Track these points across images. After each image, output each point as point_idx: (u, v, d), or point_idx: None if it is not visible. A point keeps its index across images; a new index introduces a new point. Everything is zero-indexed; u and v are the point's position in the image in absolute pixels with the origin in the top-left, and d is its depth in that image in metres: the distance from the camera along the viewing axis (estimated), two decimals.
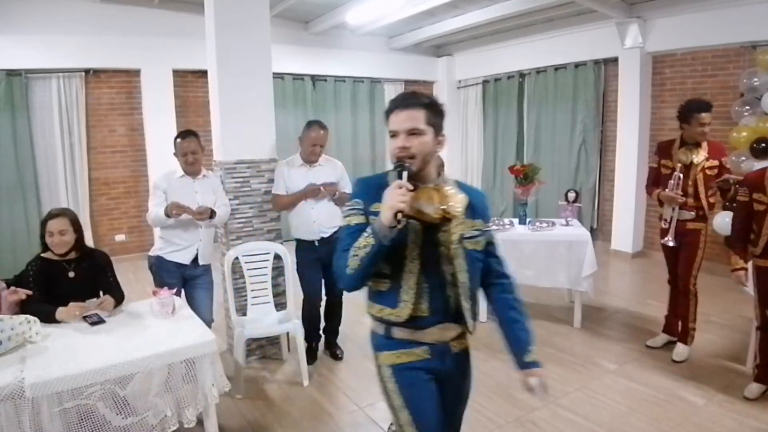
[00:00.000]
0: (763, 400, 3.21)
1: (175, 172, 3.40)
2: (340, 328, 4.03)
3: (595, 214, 7.55)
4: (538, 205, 7.75)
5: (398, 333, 1.73)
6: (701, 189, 3.57)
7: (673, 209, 3.65)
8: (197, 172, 3.41)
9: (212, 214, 3.28)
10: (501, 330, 1.82)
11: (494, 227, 1.91)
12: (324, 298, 3.90)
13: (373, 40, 8.50)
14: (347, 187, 3.86)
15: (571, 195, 5.02)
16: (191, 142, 3.34)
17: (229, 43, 3.64)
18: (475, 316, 1.76)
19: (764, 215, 3.02)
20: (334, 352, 3.95)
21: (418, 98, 1.65)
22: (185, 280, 3.40)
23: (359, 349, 3.95)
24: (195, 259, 3.41)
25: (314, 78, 8.17)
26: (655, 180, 3.79)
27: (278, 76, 6.95)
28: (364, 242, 1.58)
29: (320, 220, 3.70)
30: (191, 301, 3.29)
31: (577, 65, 7.40)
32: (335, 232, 3.79)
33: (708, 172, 3.55)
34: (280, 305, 3.80)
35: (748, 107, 5.47)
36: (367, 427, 3.07)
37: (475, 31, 7.87)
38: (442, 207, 1.64)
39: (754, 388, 3.25)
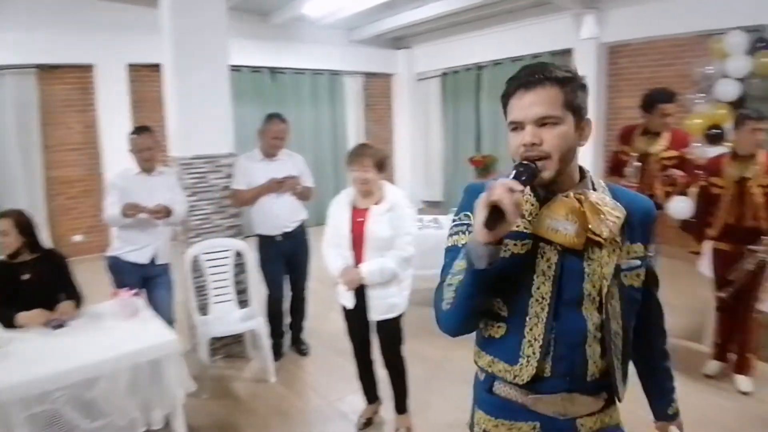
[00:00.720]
0: (721, 377, 3.34)
1: (130, 169, 3.30)
2: (306, 323, 3.99)
3: None
4: None
5: (503, 390, 1.24)
6: (656, 179, 3.60)
7: None
8: (153, 169, 3.31)
9: (169, 212, 3.20)
10: (642, 375, 1.44)
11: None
12: (288, 293, 3.85)
13: (333, 32, 8.41)
14: (309, 181, 3.82)
15: None
16: (146, 138, 3.24)
17: (185, 36, 3.54)
18: (625, 378, 1.27)
19: (720, 199, 3.12)
20: (299, 347, 3.91)
21: (550, 71, 1.13)
22: (145, 280, 3.31)
23: (325, 344, 3.93)
24: (153, 259, 3.32)
25: (272, 71, 8.05)
26: (615, 166, 3.81)
27: (235, 68, 6.79)
28: (459, 266, 1.15)
29: (283, 214, 3.65)
30: (152, 302, 3.19)
31: (533, 57, 7.49)
32: (299, 227, 3.75)
33: (666, 162, 3.51)
34: (243, 302, 3.73)
35: (701, 95, 5.66)
36: (336, 421, 3.06)
37: (434, 23, 7.87)
38: (589, 226, 1.14)
39: (713, 366, 3.38)
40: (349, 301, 2.66)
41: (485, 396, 1.28)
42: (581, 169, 1.23)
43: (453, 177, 8.95)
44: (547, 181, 1.15)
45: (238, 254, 3.67)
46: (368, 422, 2.93)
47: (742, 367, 3.24)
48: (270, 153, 3.67)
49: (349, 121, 9.07)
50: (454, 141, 8.93)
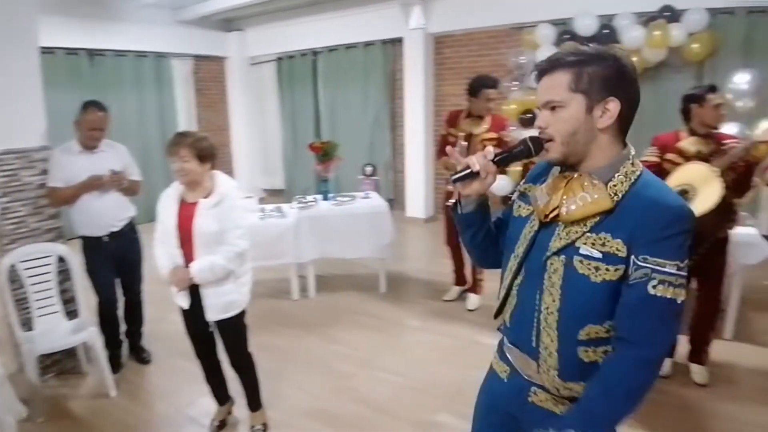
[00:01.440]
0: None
1: None
2: (144, 328, 3.76)
3: (390, 186, 8.07)
4: (339, 181, 8.03)
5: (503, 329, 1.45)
6: None
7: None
8: None
9: None
10: None
11: (658, 266, 1.11)
12: (122, 298, 3.59)
13: (157, 11, 7.82)
14: (135, 174, 3.56)
15: (369, 169, 5.29)
16: None
17: None
18: (567, 374, 1.24)
19: None
20: (140, 355, 3.67)
21: (564, 56, 1.19)
22: None
23: (168, 348, 3.72)
24: None
25: (90, 53, 7.29)
26: (443, 147, 4.11)
27: (47, 51, 6.03)
28: None
29: (108, 212, 3.37)
30: None
31: (366, 44, 7.72)
32: (127, 225, 3.49)
33: (486, 143, 3.90)
34: (71, 313, 3.39)
35: (516, 83, 6.29)
36: (187, 428, 2.93)
37: (266, 5, 7.69)
38: (556, 204, 1.23)
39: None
40: (184, 302, 2.56)
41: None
42: (617, 157, 1.21)
43: (294, 164, 8.93)
44: (555, 162, 1.27)
45: (61, 260, 3.31)
46: (222, 424, 2.86)
47: None
48: (89, 145, 3.34)
49: (179, 107, 8.57)
50: (293, 127, 8.89)
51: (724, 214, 2.75)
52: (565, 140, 1.20)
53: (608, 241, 1.16)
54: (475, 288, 4.38)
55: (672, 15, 5.36)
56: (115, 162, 3.41)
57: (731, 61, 5.31)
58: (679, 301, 1.13)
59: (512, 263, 1.34)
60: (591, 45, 1.23)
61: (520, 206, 1.39)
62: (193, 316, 2.58)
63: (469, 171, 1.30)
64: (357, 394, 3.15)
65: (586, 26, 5.68)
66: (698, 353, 3.24)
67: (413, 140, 7.42)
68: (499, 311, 1.41)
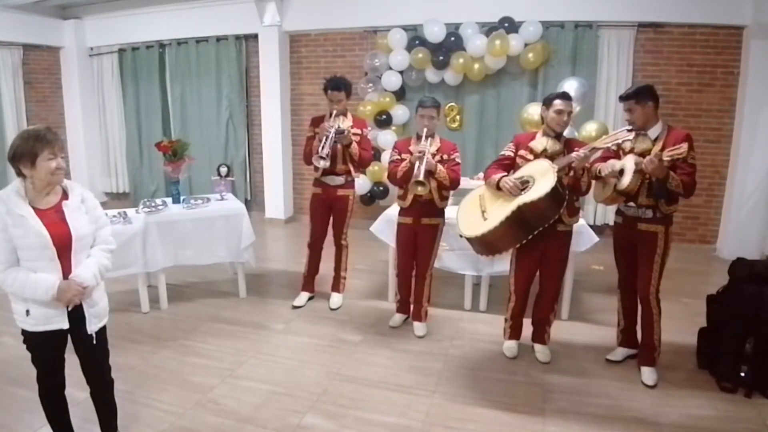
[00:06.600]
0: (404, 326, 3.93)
1: None
2: None
3: (248, 187, 7.81)
4: (191, 182, 7.59)
5: None
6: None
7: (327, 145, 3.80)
8: None
9: None
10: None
11: None
12: None
13: None
14: None
15: (223, 170, 5.05)
16: None
17: None
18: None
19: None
20: None
21: None
22: None
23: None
24: None
25: None
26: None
27: None
28: None
29: None
30: None
31: (218, 39, 7.39)
32: None
33: (354, 137, 3.95)
34: None
35: (371, 84, 6.41)
36: None
37: None
38: None
39: (397, 319, 4.00)
40: (65, 321, 2.20)
41: None
42: None
43: (140, 165, 8.26)
44: None
45: None
46: None
47: (418, 315, 3.89)
48: None
49: (5, 101, 7.51)
50: (138, 124, 8.20)
51: (558, 203, 2.99)
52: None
53: None
54: (337, 287, 4.38)
55: (510, 26, 5.81)
56: None
57: (561, 69, 5.90)
58: None
59: None
60: None
61: None
62: (58, 336, 2.23)
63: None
64: (219, 407, 2.96)
65: (435, 33, 5.96)
66: (540, 334, 3.54)
67: (271, 140, 7.24)
68: None
